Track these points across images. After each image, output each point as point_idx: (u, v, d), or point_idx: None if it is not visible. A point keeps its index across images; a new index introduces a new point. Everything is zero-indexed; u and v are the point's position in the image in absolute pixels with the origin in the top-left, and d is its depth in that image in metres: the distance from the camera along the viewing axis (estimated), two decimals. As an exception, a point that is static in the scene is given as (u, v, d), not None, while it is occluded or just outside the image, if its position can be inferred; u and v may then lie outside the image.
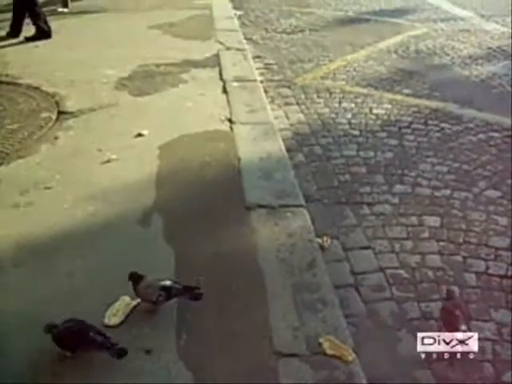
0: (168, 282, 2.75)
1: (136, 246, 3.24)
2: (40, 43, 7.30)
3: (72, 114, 5.02)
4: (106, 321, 2.70)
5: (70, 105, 5.22)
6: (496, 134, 5.07)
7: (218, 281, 2.97)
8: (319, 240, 3.41)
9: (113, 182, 3.89)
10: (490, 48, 7.75)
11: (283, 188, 3.80)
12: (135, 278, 2.76)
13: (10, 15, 7.55)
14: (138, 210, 3.57)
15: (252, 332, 2.68)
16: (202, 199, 3.70)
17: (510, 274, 3.36)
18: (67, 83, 5.75)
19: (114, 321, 2.71)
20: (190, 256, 3.15)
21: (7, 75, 6.05)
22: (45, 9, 9.43)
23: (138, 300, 2.78)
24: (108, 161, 4.17)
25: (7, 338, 2.63)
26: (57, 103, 5.27)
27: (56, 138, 4.60)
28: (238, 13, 9.58)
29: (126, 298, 2.80)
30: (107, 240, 3.32)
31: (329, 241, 3.51)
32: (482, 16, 9.73)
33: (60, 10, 9.31)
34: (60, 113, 5.07)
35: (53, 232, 3.40)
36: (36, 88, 5.65)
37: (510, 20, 9.42)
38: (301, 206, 3.64)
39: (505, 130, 5.16)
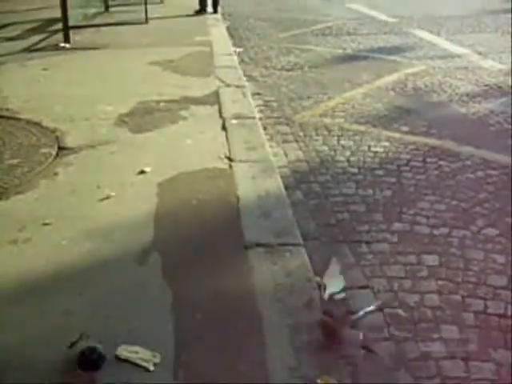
0: None
1: (134, 285, 3.23)
2: (41, 78, 7.37)
3: (72, 150, 5.04)
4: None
5: (69, 141, 5.25)
6: (494, 172, 5.08)
7: (215, 321, 2.95)
8: (317, 279, 3.40)
9: (111, 220, 3.89)
10: (487, 85, 7.82)
11: (282, 226, 3.80)
12: None
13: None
14: (137, 247, 3.56)
15: (250, 372, 2.65)
16: (201, 238, 3.70)
17: (508, 313, 3.34)
18: (67, 119, 5.79)
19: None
20: (188, 295, 3.14)
21: (7, 109, 6.09)
22: (46, 44, 9.59)
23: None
24: (107, 197, 4.18)
25: (2, 377, 2.60)
26: (57, 139, 5.29)
27: (55, 173, 4.61)
28: (238, 50, 9.69)
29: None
30: (105, 278, 3.30)
31: (327, 280, 3.49)
32: (479, 53, 9.83)
33: (62, 45, 9.42)
34: (60, 148, 5.09)
35: (50, 269, 3.39)
36: (36, 123, 5.68)
37: (506, 57, 9.53)
38: (299, 244, 3.63)
39: (503, 167, 5.17)
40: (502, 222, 4.27)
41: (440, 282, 3.59)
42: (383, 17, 13.56)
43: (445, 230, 4.15)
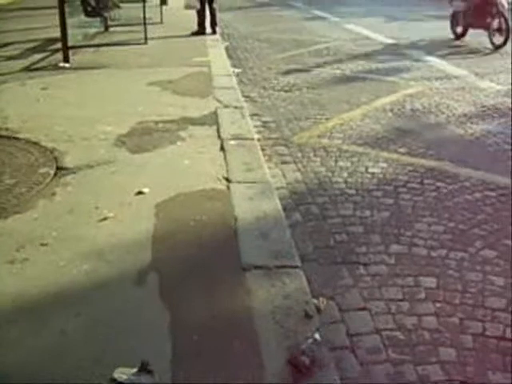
0: None
1: (131, 306, 3.23)
2: (40, 97, 7.40)
3: (70, 170, 5.05)
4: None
5: (68, 161, 5.25)
6: (492, 193, 5.10)
7: (213, 343, 2.94)
8: (315, 301, 3.39)
9: (109, 240, 3.89)
10: (484, 106, 7.86)
11: (279, 248, 3.80)
12: None
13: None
14: (134, 269, 3.56)
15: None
16: (198, 259, 3.69)
17: (507, 335, 3.33)
18: (66, 139, 5.81)
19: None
20: (186, 317, 3.13)
21: (7, 129, 6.11)
22: (46, 63, 9.64)
23: None
24: (105, 218, 4.18)
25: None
26: (55, 159, 5.30)
27: (53, 193, 4.61)
28: (237, 70, 9.74)
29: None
30: (102, 299, 3.30)
31: (325, 302, 3.49)
32: (477, 74, 9.90)
33: (61, 64, 9.48)
34: (58, 168, 5.09)
35: (48, 289, 3.38)
36: (35, 143, 5.70)
37: (503, 78, 9.59)
38: (297, 266, 3.63)
39: (500, 188, 5.19)
40: (501, 244, 4.27)
41: (438, 304, 3.59)
42: (381, 38, 13.65)
43: (442, 252, 4.16)
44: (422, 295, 3.68)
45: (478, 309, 3.56)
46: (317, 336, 2.94)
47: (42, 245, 3.84)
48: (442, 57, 11.51)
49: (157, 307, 3.21)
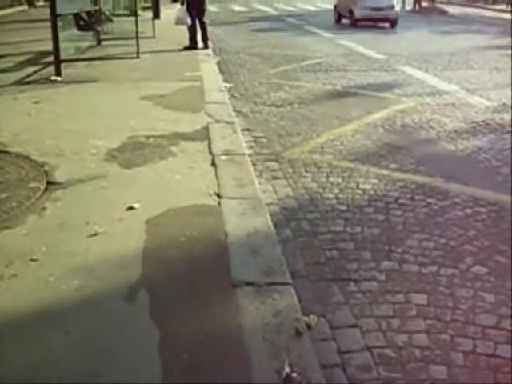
0: None
1: (121, 323, 3.20)
2: (32, 111, 7.39)
3: (61, 185, 5.03)
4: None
5: (58, 175, 5.23)
6: (482, 209, 5.11)
7: (202, 361, 2.92)
8: (306, 318, 3.38)
9: (99, 256, 3.86)
10: (475, 122, 7.92)
11: (270, 265, 3.78)
12: None
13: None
14: (124, 285, 3.53)
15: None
16: (189, 275, 3.67)
17: (498, 352, 3.33)
18: (57, 153, 5.80)
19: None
20: (176, 334, 3.11)
21: (-3, 143, 6.09)
22: (38, 77, 9.65)
23: None
24: (95, 234, 4.15)
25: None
26: (46, 173, 5.28)
27: (44, 209, 4.59)
28: (228, 85, 9.78)
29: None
30: (92, 316, 3.27)
31: (315, 319, 3.47)
32: (467, 90, 9.98)
33: (53, 78, 9.51)
34: (49, 183, 5.07)
35: (37, 306, 3.35)
36: (25, 157, 5.68)
37: (494, 94, 9.66)
38: (287, 283, 3.61)
39: (491, 204, 5.20)
40: (491, 260, 4.27)
41: (428, 321, 3.57)
42: (373, 54, 13.77)
43: (433, 268, 4.15)
44: (413, 312, 3.66)
45: (469, 326, 3.54)
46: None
47: (32, 260, 3.81)
48: (434, 72, 11.61)
49: (147, 324, 3.19)
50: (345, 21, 22.24)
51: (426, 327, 3.52)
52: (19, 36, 14.57)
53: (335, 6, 23.63)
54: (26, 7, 24.64)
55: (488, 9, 35.14)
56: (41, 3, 25.71)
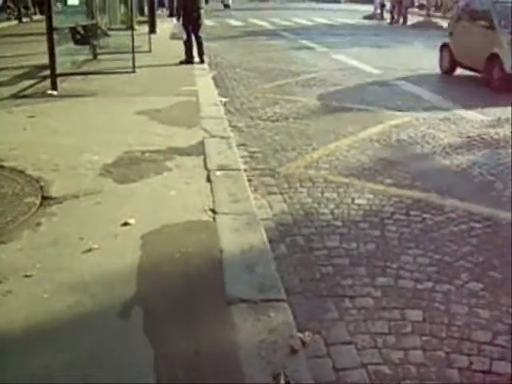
0: None
1: (115, 341, 3.18)
2: (28, 125, 7.39)
3: (56, 200, 5.02)
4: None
5: (54, 190, 5.22)
6: (477, 225, 5.12)
7: (197, 379, 2.91)
8: (301, 335, 3.37)
9: (94, 272, 3.85)
10: (469, 137, 7.95)
11: (265, 281, 3.77)
12: None
13: None
14: (119, 302, 3.52)
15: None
16: (184, 292, 3.65)
17: (493, 369, 3.32)
18: (52, 168, 5.79)
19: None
20: (171, 352, 3.09)
21: (-8, 158, 6.08)
22: (34, 90, 9.66)
23: None
24: (89, 250, 4.14)
25: None
26: (41, 188, 5.27)
27: (38, 224, 4.58)
28: (224, 100, 9.80)
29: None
30: (86, 333, 3.25)
31: (310, 336, 3.46)
32: (462, 105, 10.01)
33: (49, 92, 9.50)
34: (44, 198, 5.06)
35: (31, 323, 3.33)
36: (20, 171, 5.67)
37: (488, 108, 9.71)
38: (282, 300, 3.60)
39: (486, 220, 5.21)
40: (486, 276, 4.28)
41: (424, 338, 3.57)
42: (368, 68, 13.82)
43: (429, 285, 4.15)
44: (409, 328, 3.66)
45: (465, 342, 3.54)
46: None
47: (26, 276, 3.80)
48: (428, 87, 11.66)
49: (141, 342, 3.17)
50: (462, 72, 13.18)
51: (422, 344, 3.52)
52: (15, 49, 14.58)
53: (443, 46, 13.77)
54: (16, 22, 24.64)
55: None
56: (28, 19, 25.75)
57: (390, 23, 31.39)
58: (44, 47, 9.89)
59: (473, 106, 9.89)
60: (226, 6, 43.15)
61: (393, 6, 31.57)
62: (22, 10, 26.06)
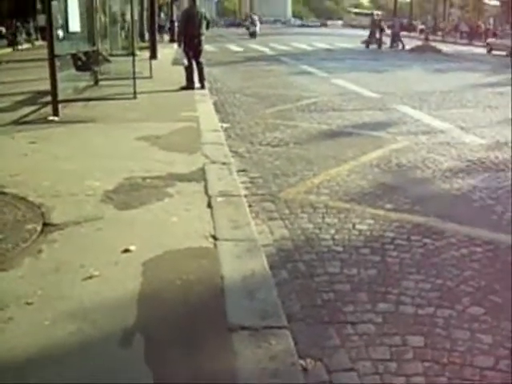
0: None
1: (116, 369, 3.17)
2: (29, 151, 7.42)
3: (57, 227, 5.02)
4: None
5: (55, 216, 5.23)
6: (478, 249, 5.12)
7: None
8: (302, 362, 3.37)
9: (94, 300, 3.85)
10: (469, 161, 7.98)
11: (266, 308, 3.77)
12: None
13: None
14: (119, 329, 3.51)
15: None
16: (185, 319, 3.65)
17: (495, 395, 3.32)
18: (53, 194, 5.80)
19: None
20: (171, 380, 3.09)
21: (-6, 184, 6.10)
22: (35, 116, 9.71)
23: None
24: (90, 277, 4.14)
25: None
26: (42, 215, 5.27)
27: (40, 251, 4.58)
28: (225, 125, 9.85)
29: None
30: (87, 361, 3.24)
31: (312, 363, 3.46)
32: (462, 128, 10.07)
33: (50, 118, 9.57)
34: (45, 224, 5.06)
35: (32, 350, 3.32)
36: (22, 198, 5.68)
37: (488, 131, 9.75)
38: (283, 327, 3.59)
39: (486, 244, 5.21)
40: (487, 300, 4.27)
41: (426, 364, 3.55)
42: (367, 93, 13.91)
43: (430, 310, 4.14)
44: (410, 355, 3.64)
45: (467, 368, 3.52)
46: None
47: (28, 304, 3.80)
48: (428, 111, 11.71)
49: (142, 369, 3.16)
50: None
51: (424, 370, 3.50)
52: (16, 75, 14.71)
53: None
54: (10, 50, 24.75)
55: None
56: (24, 46, 25.90)
57: (391, 47, 31.72)
58: (45, 73, 9.97)
59: (472, 128, 9.94)
60: (252, 35, 38.60)
61: (371, 32, 32.12)
62: (24, 36, 26.25)
